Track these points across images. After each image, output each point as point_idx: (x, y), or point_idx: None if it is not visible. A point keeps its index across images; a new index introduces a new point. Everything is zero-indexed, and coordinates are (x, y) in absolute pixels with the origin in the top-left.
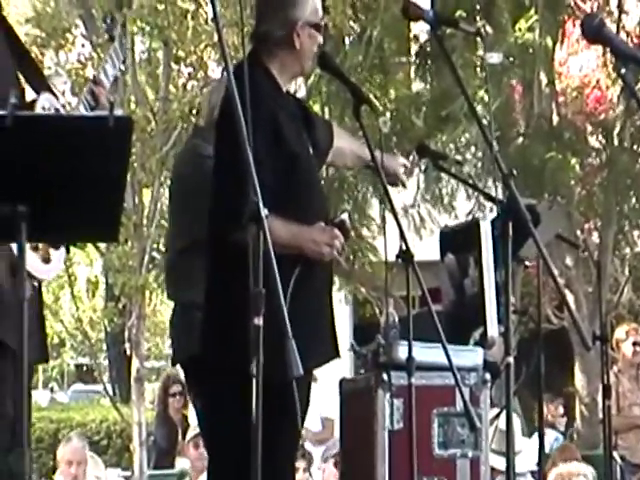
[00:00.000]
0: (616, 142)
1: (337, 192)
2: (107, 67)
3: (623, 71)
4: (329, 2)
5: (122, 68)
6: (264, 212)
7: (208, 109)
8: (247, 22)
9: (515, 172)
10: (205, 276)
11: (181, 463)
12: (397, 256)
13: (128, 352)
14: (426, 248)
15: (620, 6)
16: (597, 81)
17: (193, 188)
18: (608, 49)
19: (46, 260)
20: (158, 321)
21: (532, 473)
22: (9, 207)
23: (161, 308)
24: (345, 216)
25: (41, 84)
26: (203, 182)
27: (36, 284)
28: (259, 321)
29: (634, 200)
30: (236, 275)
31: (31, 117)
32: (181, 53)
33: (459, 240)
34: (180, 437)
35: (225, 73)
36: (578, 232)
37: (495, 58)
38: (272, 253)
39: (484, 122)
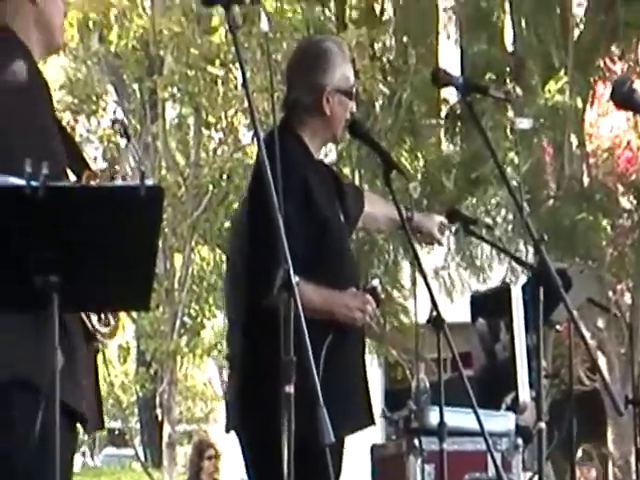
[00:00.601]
0: None
1: (367, 255)
2: None
3: None
4: (359, 66)
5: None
6: (295, 279)
7: None
8: (277, 88)
9: (546, 235)
10: (238, 341)
11: None
12: (428, 321)
13: (160, 417)
14: (457, 310)
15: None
16: (628, 142)
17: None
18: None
19: (106, 324)
20: (189, 385)
21: None
22: (41, 278)
23: (192, 372)
24: (376, 282)
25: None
26: None
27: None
28: (290, 389)
29: None
30: (268, 341)
31: (63, 188)
32: (211, 119)
33: (490, 305)
34: None
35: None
36: (610, 293)
37: (525, 123)
38: (303, 320)
39: (514, 184)
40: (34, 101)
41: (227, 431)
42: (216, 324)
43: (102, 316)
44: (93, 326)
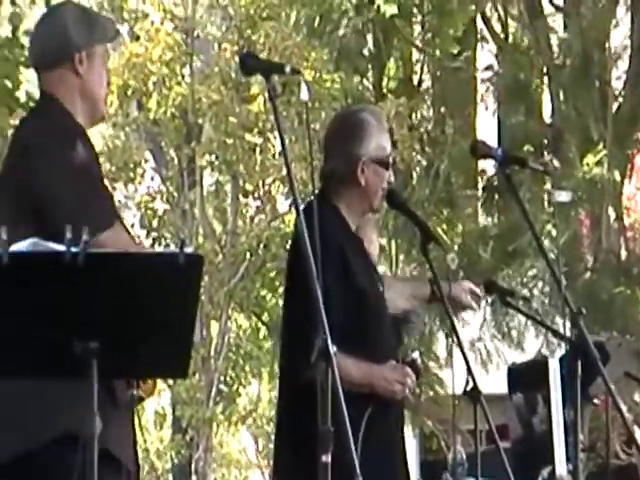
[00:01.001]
0: None
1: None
2: None
3: None
4: (397, 136)
5: None
6: (333, 349)
7: None
8: (315, 157)
9: (584, 309)
10: (277, 409)
11: None
12: (464, 392)
13: None
14: (492, 381)
15: None
16: None
17: None
18: None
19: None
20: (224, 452)
21: None
22: (80, 344)
23: (227, 440)
24: (416, 354)
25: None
26: None
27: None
28: (327, 458)
29: None
30: (306, 411)
31: (102, 254)
32: (249, 186)
33: (528, 377)
34: None
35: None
36: None
37: (564, 196)
38: (341, 391)
39: (551, 257)
40: (93, 169)
41: None
42: (251, 391)
43: None
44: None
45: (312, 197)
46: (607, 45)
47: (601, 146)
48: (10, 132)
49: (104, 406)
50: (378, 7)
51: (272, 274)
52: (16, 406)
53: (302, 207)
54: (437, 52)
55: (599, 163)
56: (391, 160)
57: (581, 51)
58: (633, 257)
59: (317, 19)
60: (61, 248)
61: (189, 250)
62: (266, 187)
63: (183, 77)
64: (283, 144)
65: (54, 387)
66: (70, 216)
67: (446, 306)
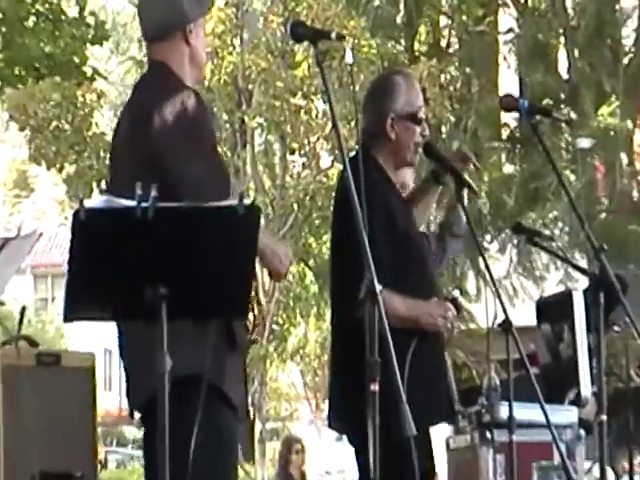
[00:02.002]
0: None
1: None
2: None
3: None
4: (429, 95)
5: None
6: (378, 288)
7: None
8: (356, 116)
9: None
10: (331, 343)
11: None
12: (499, 325)
13: (251, 415)
14: (519, 315)
15: None
16: None
17: None
18: None
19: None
20: (275, 387)
21: None
22: (151, 290)
23: (278, 375)
24: (457, 293)
25: None
26: None
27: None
28: (375, 387)
29: None
30: (356, 344)
31: (169, 208)
32: (295, 145)
33: (554, 309)
34: None
35: (341, 162)
36: None
37: (586, 142)
38: (387, 326)
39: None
40: (206, 131)
41: (329, 426)
42: (299, 332)
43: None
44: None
45: (354, 152)
46: (617, 6)
47: (614, 98)
48: (79, 101)
49: (223, 350)
50: None
51: (317, 224)
52: (148, 352)
53: (348, 159)
54: (463, 18)
55: (612, 114)
56: (422, 115)
57: (594, 12)
58: None
59: None
60: (132, 203)
61: (247, 202)
62: (311, 145)
63: (234, 47)
64: (331, 104)
65: (179, 334)
66: (184, 177)
67: (480, 248)
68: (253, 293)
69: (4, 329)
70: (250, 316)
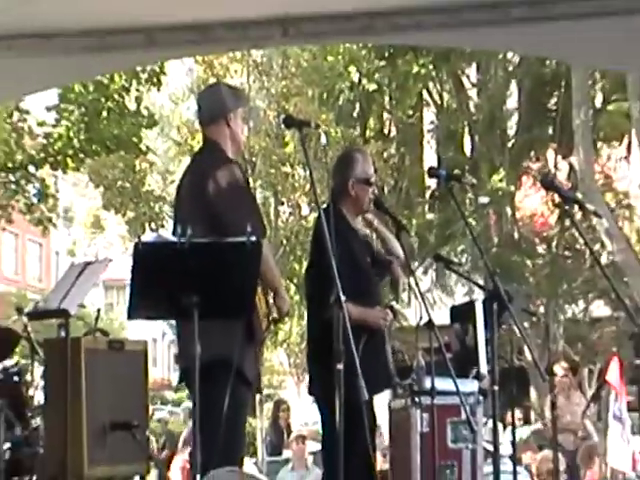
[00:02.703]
0: (554, 250)
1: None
2: None
3: (567, 207)
4: (377, 166)
5: None
6: (343, 298)
7: None
8: (327, 180)
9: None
10: (308, 336)
11: (286, 453)
12: (424, 324)
13: None
14: (438, 317)
15: (555, 165)
16: (542, 212)
17: None
18: (557, 193)
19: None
20: (268, 365)
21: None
22: (186, 298)
23: (272, 357)
24: (394, 303)
25: None
26: None
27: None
28: (340, 367)
29: (565, 286)
30: (326, 337)
31: (199, 243)
32: (284, 199)
33: (462, 313)
34: (285, 437)
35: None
36: (531, 306)
37: (484, 199)
38: (349, 324)
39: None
40: (246, 189)
41: (309, 393)
42: (286, 327)
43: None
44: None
45: (326, 205)
46: (504, 107)
47: (502, 170)
48: (136, 168)
49: (244, 341)
50: (363, 86)
51: (299, 254)
52: (188, 339)
53: (322, 210)
54: (399, 113)
55: (501, 180)
56: (373, 180)
57: (488, 111)
58: (523, 238)
59: (325, 94)
60: (174, 239)
61: (253, 238)
62: (295, 199)
63: (243, 132)
64: (310, 171)
65: (213, 328)
66: (234, 222)
67: (414, 276)
68: (264, 304)
69: (85, 324)
70: (264, 315)
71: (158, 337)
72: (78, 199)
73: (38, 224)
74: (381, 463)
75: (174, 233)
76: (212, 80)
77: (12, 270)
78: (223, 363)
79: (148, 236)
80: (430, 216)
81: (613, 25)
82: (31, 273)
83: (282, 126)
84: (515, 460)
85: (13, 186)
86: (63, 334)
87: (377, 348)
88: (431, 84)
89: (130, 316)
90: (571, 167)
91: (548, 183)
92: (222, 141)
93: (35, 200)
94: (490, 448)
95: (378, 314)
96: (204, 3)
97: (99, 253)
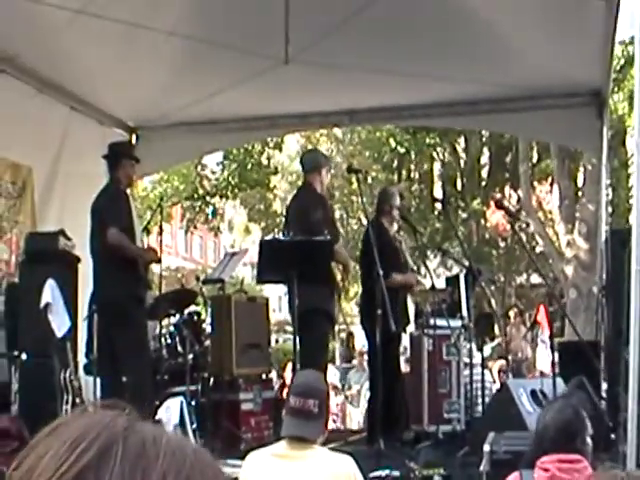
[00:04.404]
0: (509, 244)
1: None
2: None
3: (512, 219)
4: (405, 195)
5: None
6: (381, 273)
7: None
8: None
9: (472, 259)
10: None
11: (353, 362)
12: (431, 287)
13: None
14: (439, 283)
15: (510, 195)
16: (502, 223)
17: None
18: (504, 211)
19: None
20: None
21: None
22: (292, 269)
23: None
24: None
25: None
26: None
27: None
28: (379, 311)
29: (515, 265)
30: (373, 297)
31: (296, 240)
32: (351, 215)
33: (453, 281)
34: (352, 352)
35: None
36: (495, 277)
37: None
38: (384, 287)
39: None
40: (328, 210)
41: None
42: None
43: None
44: None
45: (372, 218)
46: (480, 161)
47: (479, 198)
48: (267, 199)
49: (329, 295)
50: (397, 149)
51: (360, 247)
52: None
53: (369, 222)
54: (419, 165)
55: (478, 204)
56: (399, 206)
57: (471, 164)
58: (490, 238)
59: (375, 154)
60: (283, 238)
61: (328, 238)
62: (357, 216)
63: (327, 178)
64: (363, 200)
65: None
66: (319, 229)
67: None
68: (340, 273)
69: (233, 287)
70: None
71: (282, 295)
72: (236, 216)
73: (211, 230)
74: (404, 368)
75: (284, 235)
76: (310, 147)
77: (198, 257)
78: (317, 310)
79: (268, 237)
80: (437, 225)
81: (546, 115)
82: (209, 259)
83: (347, 172)
84: (484, 367)
85: (197, 209)
86: (221, 292)
87: (403, 300)
88: (439, 148)
89: (259, 280)
90: (519, 197)
91: (500, 205)
92: (315, 183)
93: (210, 216)
94: (467, 360)
95: (413, 278)
96: (306, 102)
97: (242, 247)
